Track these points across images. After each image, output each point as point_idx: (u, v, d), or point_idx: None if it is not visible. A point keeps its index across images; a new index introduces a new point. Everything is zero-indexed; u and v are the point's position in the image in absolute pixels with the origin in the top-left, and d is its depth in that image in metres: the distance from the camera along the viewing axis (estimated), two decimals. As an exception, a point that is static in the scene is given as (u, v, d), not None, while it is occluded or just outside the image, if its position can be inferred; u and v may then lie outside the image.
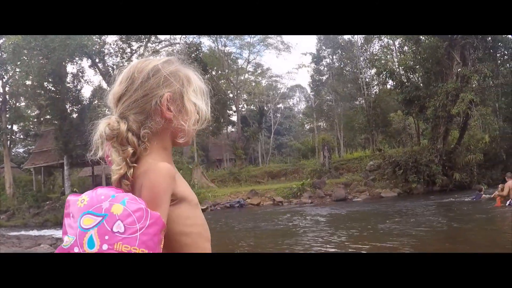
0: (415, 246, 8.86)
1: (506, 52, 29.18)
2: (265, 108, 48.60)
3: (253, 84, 50.37)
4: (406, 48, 30.66)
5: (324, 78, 45.51)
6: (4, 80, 35.59)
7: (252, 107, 51.79)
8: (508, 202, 13.29)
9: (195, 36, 36.49)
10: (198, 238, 1.22)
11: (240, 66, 46.74)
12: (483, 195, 16.87)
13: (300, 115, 59.59)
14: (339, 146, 41.46)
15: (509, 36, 27.62)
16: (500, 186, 14.71)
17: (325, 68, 45.04)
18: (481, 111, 23.42)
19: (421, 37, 26.05)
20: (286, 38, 44.44)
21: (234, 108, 45.58)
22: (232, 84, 44.17)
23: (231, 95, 45.32)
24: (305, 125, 57.13)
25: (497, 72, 25.82)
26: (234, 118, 47.30)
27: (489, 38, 26.44)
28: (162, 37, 36.78)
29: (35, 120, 40.29)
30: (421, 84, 28.99)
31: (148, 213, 1.06)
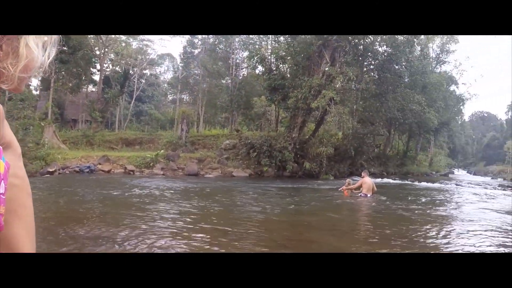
0: (250, 225, 8.52)
1: (373, 63, 30.95)
2: (131, 71, 46.25)
3: (123, 44, 47.40)
4: (282, 38, 31.21)
5: (196, 51, 44.62)
6: None
7: (117, 68, 48.69)
8: (360, 194, 14.37)
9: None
10: (18, 192, 0.99)
11: (112, 23, 43.23)
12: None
13: (165, 85, 57.88)
14: (198, 122, 41.10)
15: (379, 49, 29.51)
16: (347, 180, 15.76)
17: (199, 42, 44.14)
18: (339, 109, 24.52)
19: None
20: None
21: (98, 66, 42.37)
22: (101, 40, 40.78)
23: (97, 52, 42.01)
24: (168, 96, 55.72)
25: (361, 78, 27.30)
26: (96, 77, 44.02)
27: (361, 47, 27.92)
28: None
29: None
30: (288, 75, 29.67)
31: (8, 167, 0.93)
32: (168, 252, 5.94)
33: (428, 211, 11.76)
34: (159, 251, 5.91)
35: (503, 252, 6.50)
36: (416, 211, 11.70)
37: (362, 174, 15.15)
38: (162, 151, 27.20)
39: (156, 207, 10.28)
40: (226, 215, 9.58)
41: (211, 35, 40.34)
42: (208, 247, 6.33)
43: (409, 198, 15.88)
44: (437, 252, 6.62)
